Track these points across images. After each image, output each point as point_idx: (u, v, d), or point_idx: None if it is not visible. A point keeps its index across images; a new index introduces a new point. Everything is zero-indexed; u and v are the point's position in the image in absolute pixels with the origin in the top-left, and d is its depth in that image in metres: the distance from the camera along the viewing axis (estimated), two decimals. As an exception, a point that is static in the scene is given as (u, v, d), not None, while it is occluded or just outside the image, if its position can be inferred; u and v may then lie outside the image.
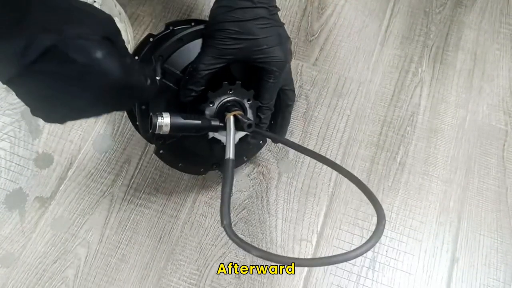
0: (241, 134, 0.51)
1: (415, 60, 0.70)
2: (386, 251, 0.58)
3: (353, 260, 0.57)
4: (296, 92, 0.67)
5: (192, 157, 0.53)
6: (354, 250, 0.35)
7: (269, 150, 0.62)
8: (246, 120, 0.45)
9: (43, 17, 0.33)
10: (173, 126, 0.44)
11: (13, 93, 0.36)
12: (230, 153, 0.45)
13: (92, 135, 0.61)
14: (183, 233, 0.57)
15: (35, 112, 0.37)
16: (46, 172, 0.59)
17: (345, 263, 0.57)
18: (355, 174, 0.61)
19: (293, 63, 0.69)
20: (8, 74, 0.33)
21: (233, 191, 0.60)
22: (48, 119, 0.38)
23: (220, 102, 0.47)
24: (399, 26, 0.73)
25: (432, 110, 0.67)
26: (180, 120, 0.44)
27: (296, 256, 0.57)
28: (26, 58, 0.32)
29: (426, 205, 0.61)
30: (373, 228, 0.59)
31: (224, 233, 0.57)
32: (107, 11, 0.60)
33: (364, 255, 0.57)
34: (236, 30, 0.45)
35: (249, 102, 0.49)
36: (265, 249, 0.56)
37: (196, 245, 0.57)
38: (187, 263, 0.56)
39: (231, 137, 0.45)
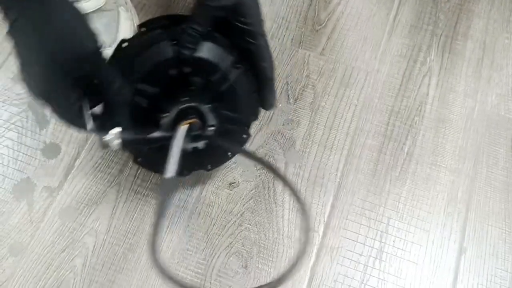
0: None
1: (424, 49, 0.70)
2: (393, 241, 0.58)
3: (360, 250, 0.57)
4: (303, 82, 0.66)
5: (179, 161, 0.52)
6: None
7: (275, 140, 0.62)
8: (193, 132, 0.43)
9: None
10: (124, 142, 0.42)
11: (20, 84, 0.37)
12: (171, 170, 0.41)
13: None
14: (190, 223, 0.57)
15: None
16: (53, 162, 0.59)
17: (352, 253, 0.57)
18: (362, 164, 0.61)
19: (300, 53, 0.68)
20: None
21: (240, 181, 0.60)
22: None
23: (176, 111, 0.45)
24: (407, 15, 0.72)
25: (440, 100, 0.66)
26: (131, 136, 0.43)
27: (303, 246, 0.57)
28: None
29: (433, 195, 0.61)
30: (380, 218, 0.59)
31: (232, 222, 0.57)
32: (112, 1, 0.60)
33: (371, 245, 0.57)
34: None
35: (208, 106, 0.46)
36: (271, 240, 0.57)
37: (203, 235, 0.57)
38: (194, 253, 0.56)
39: (174, 151, 0.42)
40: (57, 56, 0.38)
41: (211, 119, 0.47)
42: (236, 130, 0.50)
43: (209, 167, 0.54)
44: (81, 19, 0.39)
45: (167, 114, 0.45)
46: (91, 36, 0.39)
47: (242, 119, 0.49)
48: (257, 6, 0.44)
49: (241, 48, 0.45)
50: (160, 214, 0.41)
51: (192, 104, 0.45)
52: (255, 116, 0.51)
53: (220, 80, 0.45)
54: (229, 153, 0.54)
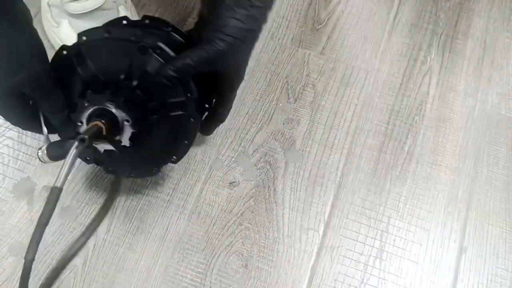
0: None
1: (424, 48, 0.70)
2: (394, 241, 0.58)
3: (360, 250, 0.57)
4: (303, 81, 0.66)
5: (140, 160, 0.51)
6: None
7: (276, 140, 0.62)
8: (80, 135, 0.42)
9: None
10: (52, 157, 0.43)
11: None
12: (60, 179, 0.41)
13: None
14: (190, 222, 0.57)
15: None
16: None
17: (352, 252, 0.57)
18: (363, 164, 0.61)
19: (300, 52, 0.68)
20: None
21: (240, 180, 0.59)
22: None
23: (86, 118, 0.44)
24: (407, 14, 0.72)
25: (440, 99, 0.66)
26: (57, 149, 0.43)
27: (303, 245, 0.57)
28: None
29: (434, 195, 0.61)
30: (381, 217, 0.59)
31: (231, 222, 0.57)
32: (111, 0, 0.60)
33: (372, 244, 0.57)
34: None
35: (110, 104, 0.44)
36: (272, 239, 0.56)
37: (203, 234, 0.57)
38: (194, 252, 0.56)
39: (66, 164, 0.41)
40: (4, 73, 0.40)
41: (124, 115, 0.44)
42: (179, 116, 0.47)
43: (173, 158, 0.51)
44: (33, 39, 0.42)
45: (80, 123, 0.45)
46: (40, 57, 0.42)
47: (175, 104, 0.46)
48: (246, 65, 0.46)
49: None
50: (42, 223, 0.41)
51: (97, 106, 0.44)
52: (190, 93, 0.46)
53: (127, 76, 0.44)
54: (185, 141, 0.50)
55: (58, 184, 0.40)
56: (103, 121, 0.43)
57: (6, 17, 0.38)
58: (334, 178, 0.61)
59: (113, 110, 0.44)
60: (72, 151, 0.41)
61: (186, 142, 0.50)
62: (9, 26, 0.39)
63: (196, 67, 0.42)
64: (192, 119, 0.48)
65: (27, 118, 0.45)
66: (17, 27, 0.40)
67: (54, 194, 0.40)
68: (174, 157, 0.51)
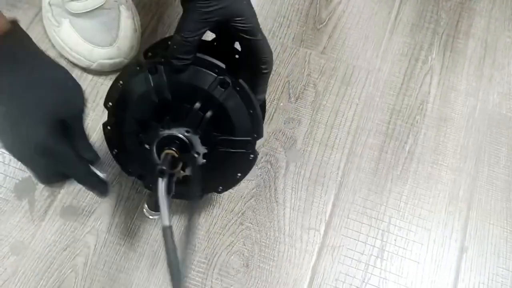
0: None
1: (425, 48, 0.70)
2: (395, 240, 0.58)
3: (361, 249, 0.57)
4: (304, 81, 0.66)
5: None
6: None
7: (277, 139, 0.62)
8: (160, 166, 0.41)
9: None
10: (151, 207, 0.50)
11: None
12: (166, 218, 0.40)
13: (99, 125, 0.61)
14: (191, 221, 0.57)
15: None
16: (54, 161, 0.59)
17: (353, 251, 0.57)
18: (364, 163, 0.61)
19: (301, 52, 0.68)
20: None
21: (245, 180, 0.59)
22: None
23: (155, 143, 0.44)
24: (408, 13, 0.72)
25: (442, 98, 0.66)
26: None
27: (304, 245, 0.57)
28: None
29: (435, 194, 0.61)
30: (382, 217, 0.59)
31: (232, 221, 0.57)
32: (113, -1, 0.60)
33: (373, 244, 0.57)
34: None
35: (187, 134, 0.44)
36: (273, 239, 0.57)
37: (204, 234, 0.57)
38: (195, 252, 0.56)
39: (160, 192, 0.40)
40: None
41: (199, 147, 0.45)
42: (240, 153, 0.48)
43: (220, 189, 0.52)
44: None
45: (148, 146, 0.44)
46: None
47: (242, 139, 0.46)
48: (248, 3, 0.44)
49: (242, 46, 0.46)
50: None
51: (171, 133, 0.43)
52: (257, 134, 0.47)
53: (202, 107, 0.44)
54: (238, 174, 0.50)
55: (166, 223, 0.40)
56: (173, 148, 0.43)
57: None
58: (335, 177, 0.61)
59: (189, 142, 0.44)
60: (160, 186, 0.40)
61: (238, 175, 0.50)
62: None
63: (193, 31, 0.42)
64: (251, 156, 0.48)
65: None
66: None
67: (167, 233, 0.40)
68: (221, 188, 0.52)
